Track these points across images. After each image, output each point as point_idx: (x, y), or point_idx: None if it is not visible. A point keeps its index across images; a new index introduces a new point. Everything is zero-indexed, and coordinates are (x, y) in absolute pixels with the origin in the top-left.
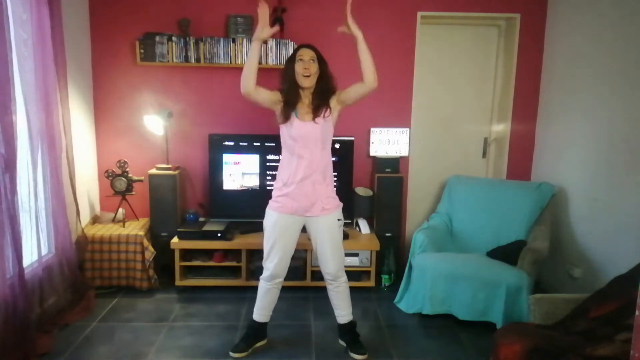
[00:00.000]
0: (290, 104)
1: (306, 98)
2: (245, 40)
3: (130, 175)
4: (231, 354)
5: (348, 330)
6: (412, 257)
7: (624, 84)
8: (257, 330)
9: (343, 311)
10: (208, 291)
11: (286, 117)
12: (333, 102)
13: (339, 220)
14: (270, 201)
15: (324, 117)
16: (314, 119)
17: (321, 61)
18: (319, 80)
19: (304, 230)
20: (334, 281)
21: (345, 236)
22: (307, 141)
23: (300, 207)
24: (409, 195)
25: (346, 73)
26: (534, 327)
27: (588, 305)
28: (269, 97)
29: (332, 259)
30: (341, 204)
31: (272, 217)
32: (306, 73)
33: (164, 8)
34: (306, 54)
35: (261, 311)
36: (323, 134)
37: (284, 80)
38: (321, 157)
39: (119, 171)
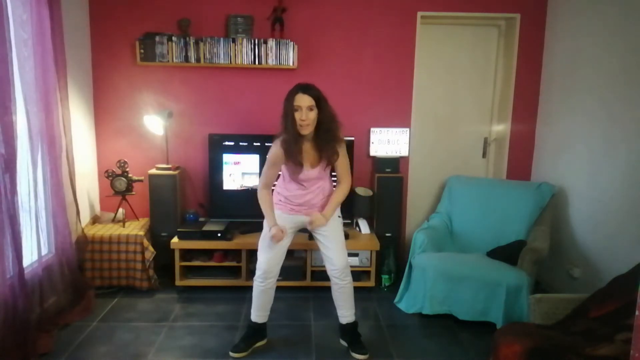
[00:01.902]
0: (298, 155)
1: (307, 141)
2: (245, 40)
3: (130, 175)
4: (231, 354)
5: (350, 331)
6: (412, 257)
7: (624, 84)
8: (256, 331)
9: (347, 312)
10: (208, 291)
11: (299, 167)
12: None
13: (339, 216)
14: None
15: (329, 163)
16: (318, 167)
17: (319, 103)
18: (320, 123)
19: (303, 230)
20: (341, 280)
21: (345, 236)
22: (311, 181)
23: (299, 210)
24: (409, 195)
25: (346, 73)
26: (534, 327)
27: (588, 305)
28: (278, 165)
29: (338, 253)
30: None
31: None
32: (303, 123)
33: (164, 8)
34: (304, 103)
35: (258, 312)
36: (323, 174)
37: (285, 123)
38: (322, 185)
39: (119, 171)
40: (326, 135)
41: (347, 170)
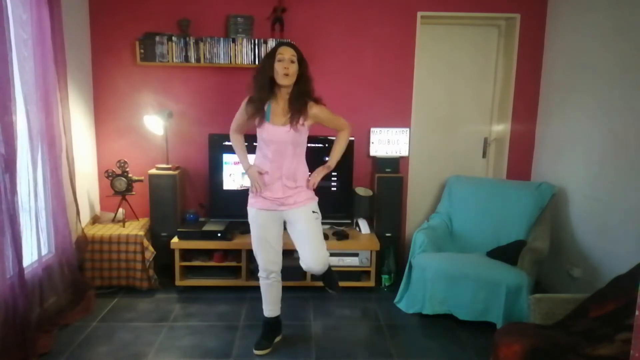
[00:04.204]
0: (261, 104)
1: (281, 99)
2: (245, 40)
3: (130, 175)
4: (255, 352)
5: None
6: (412, 257)
7: (624, 84)
8: (272, 325)
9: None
10: (208, 291)
11: (256, 116)
12: (311, 111)
13: (314, 212)
14: (248, 197)
15: (298, 124)
16: (289, 125)
17: (301, 62)
18: (297, 81)
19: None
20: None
21: (345, 236)
22: (278, 145)
23: (272, 204)
24: (409, 195)
25: (346, 73)
26: (534, 327)
27: (588, 305)
28: (244, 118)
29: (310, 250)
30: (316, 198)
31: (251, 212)
32: (285, 72)
33: (164, 8)
34: (286, 53)
35: (269, 306)
36: (295, 140)
37: (258, 76)
38: (291, 162)
39: (119, 171)
40: (302, 92)
41: (338, 117)
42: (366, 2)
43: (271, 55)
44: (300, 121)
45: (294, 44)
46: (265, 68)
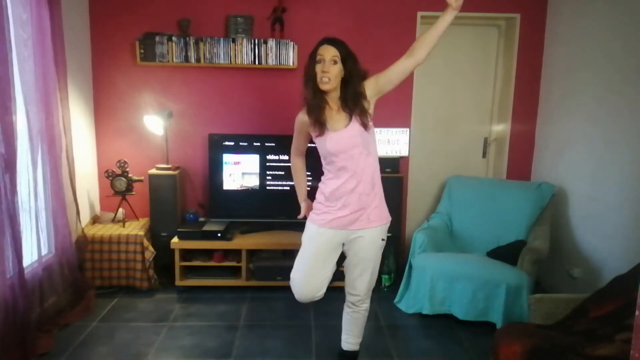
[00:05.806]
0: (318, 111)
1: (333, 103)
2: (245, 40)
3: (130, 175)
4: None
5: (348, 359)
6: (412, 257)
7: (624, 84)
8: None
9: (352, 339)
10: (208, 291)
11: (320, 128)
12: (370, 92)
13: (382, 240)
14: (311, 212)
15: (364, 124)
16: (351, 125)
17: (347, 60)
18: (347, 81)
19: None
20: (358, 306)
21: None
22: (347, 152)
23: (343, 222)
24: (409, 195)
25: None
26: (534, 327)
27: (588, 305)
28: (305, 133)
29: (363, 279)
30: (389, 219)
31: (310, 229)
32: (324, 77)
33: (164, 8)
34: (327, 53)
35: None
36: (364, 139)
37: (308, 82)
38: (366, 163)
39: (119, 171)
40: (355, 94)
41: (395, 63)
42: (366, 2)
43: (312, 56)
44: (365, 119)
45: (338, 40)
46: (309, 72)
